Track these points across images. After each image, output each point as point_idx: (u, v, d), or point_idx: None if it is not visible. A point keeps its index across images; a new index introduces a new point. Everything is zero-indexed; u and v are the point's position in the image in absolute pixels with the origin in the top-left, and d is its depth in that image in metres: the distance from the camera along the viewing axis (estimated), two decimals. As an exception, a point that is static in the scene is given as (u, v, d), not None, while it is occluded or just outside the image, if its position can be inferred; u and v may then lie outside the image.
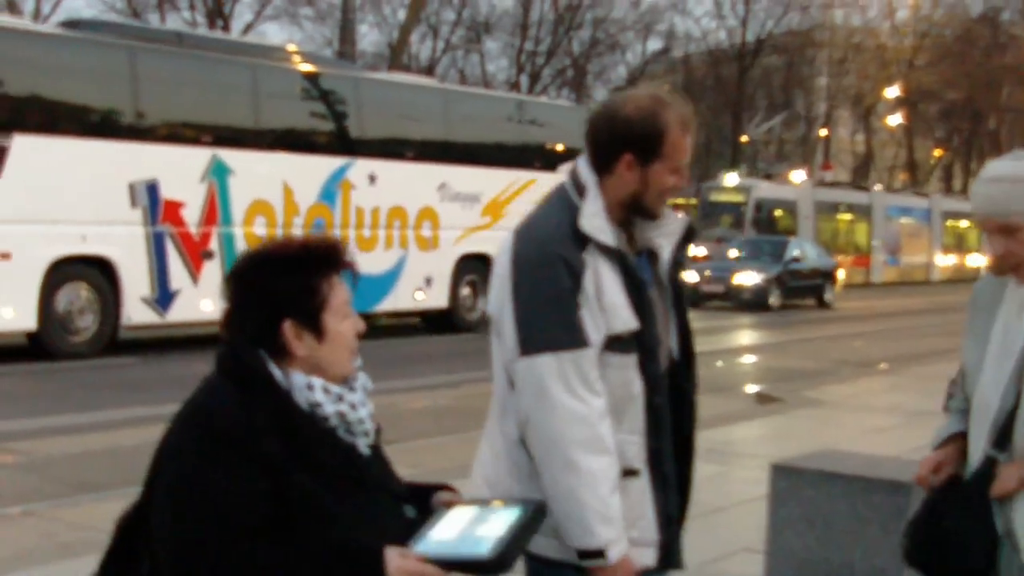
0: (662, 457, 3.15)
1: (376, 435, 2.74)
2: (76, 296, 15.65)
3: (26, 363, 15.07)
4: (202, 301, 16.70)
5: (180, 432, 2.56)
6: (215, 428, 2.49)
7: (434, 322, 21.05)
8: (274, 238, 2.74)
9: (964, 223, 50.51)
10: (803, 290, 30.69)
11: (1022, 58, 59.17)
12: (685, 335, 3.29)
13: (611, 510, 3.01)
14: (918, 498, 3.39)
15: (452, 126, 20.97)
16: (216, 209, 17.02)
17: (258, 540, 2.46)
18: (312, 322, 2.59)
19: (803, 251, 31.25)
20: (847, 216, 45.95)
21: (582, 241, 3.08)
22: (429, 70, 41.90)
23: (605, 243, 3.08)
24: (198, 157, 16.84)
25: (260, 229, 17.42)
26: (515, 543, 2.51)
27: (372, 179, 19.23)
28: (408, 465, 3.82)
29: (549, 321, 3.03)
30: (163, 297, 16.45)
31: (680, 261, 3.27)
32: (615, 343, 3.07)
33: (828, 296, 31.46)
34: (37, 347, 15.47)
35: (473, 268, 20.99)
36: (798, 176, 44.47)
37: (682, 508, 3.32)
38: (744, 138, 53.22)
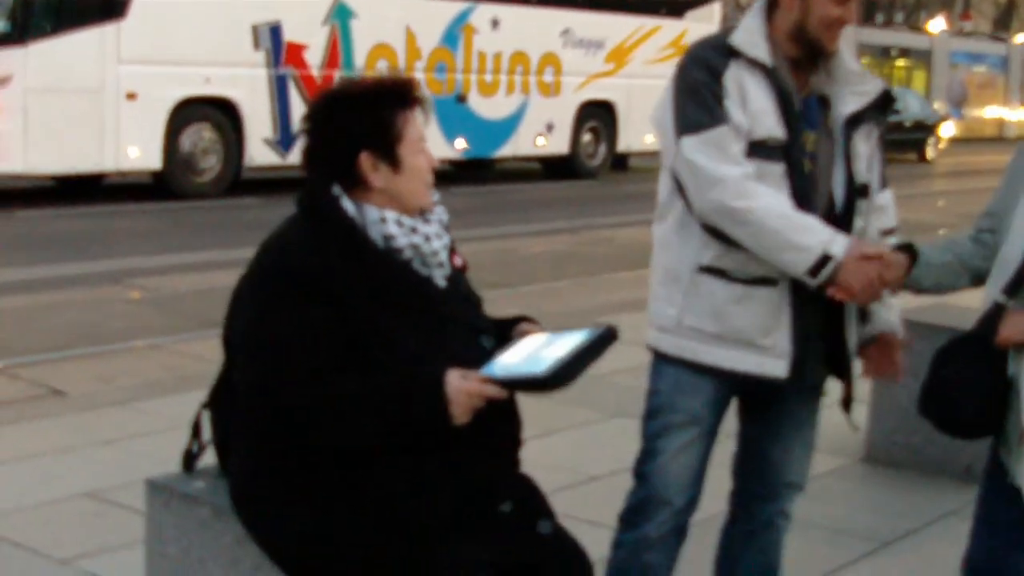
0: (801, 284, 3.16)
1: (460, 275, 2.79)
2: (200, 137, 15.80)
3: (152, 202, 15.36)
4: (323, 144, 16.75)
5: (254, 273, 2.64)
6: (287, 266, 2.56)
7: (555, 168, 20.90)
8: (351, 78, 2.77)
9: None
10: (902, 144, 28.58)
11: None
12: (850, 197, 3.27)
13: (801, 220, 3.05)
14: None
15: (578, -30, 20.54)
16: (338, 52, 16.95)
17: (326, 375, 2.52)
18: (388, 153, 2.65)
19: (904, 102, 28.98)
20: (902, 62, 41.03)
21: (731, 52, 3.15)
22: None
23: (754, 56, 3.13)
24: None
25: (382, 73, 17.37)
26: (574, 362, 2.57)
27: (495, 23, 18.97)
28: (524, 308, 3.82)
29: (690, 108, 3.13)
30: (284, 139, 16.53)
31: (858, 120, 3.25)
32: (759, 148, 3.11)
33: (930, 152, 30.06)
34: (162, 187, 15.73)
35: (595, 115, 20.72)
36: (937, 25, 42.88)
37: (843, 362, 3.35)
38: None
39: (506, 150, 19.77)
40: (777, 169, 3.13)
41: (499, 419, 2.66)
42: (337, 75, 16.89)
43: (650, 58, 21.07)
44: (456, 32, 18.59)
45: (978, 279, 3.14)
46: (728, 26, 3.28)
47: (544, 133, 20.12)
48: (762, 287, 3.16)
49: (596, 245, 13.13)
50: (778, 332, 3.18)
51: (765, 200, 3.05)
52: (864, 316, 3.36)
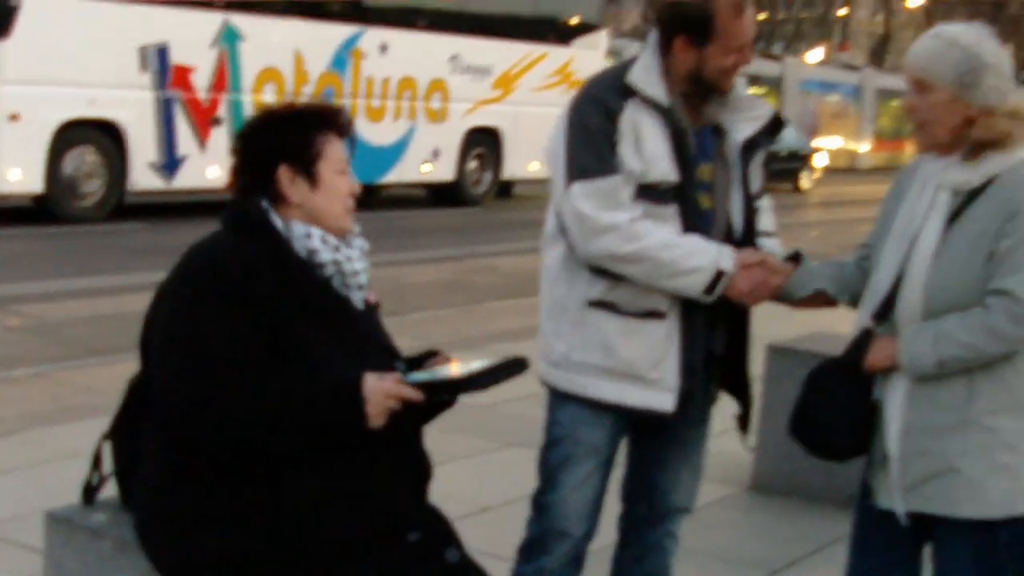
0: (693, 306, 3.25)
1: (373, 309, 2.86)
2: (83, 160, 15.53)
3: (32, 226, 15.08)
4: (208, 168, 16.63)
5: (179, 274, 2.70)
6: (213, 270, 2.63)
7: (440, 195, 20.97)
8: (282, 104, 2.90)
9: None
10: (777, 174, 28.74)
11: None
12: (750, 218, 3.38)
13: (688, 245, 3.17)
14: None
15: (466, -4, 20.68)
16: (226, 75, 16.81)
17: (247, 375, 2.57)
18: (306, 168, 2.75)
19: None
20: (759, 90, 40.47)
21: (627, 92, 3.21)
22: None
23: (650, 95, 3.19)
24: (209, 22, 16.58)
25: (269, 96, 17.25)
26: (485, 372, 2.67)
27: (383, 49, 18.99)
28: (411, 337, 3.88)
29: (582, 153, 3.19)
30: (170, 163, 16.35)
31: (754, 146, 3.36)
32: (651, 191, 3.19)
33: (804, 182, 30.68)
34: (43, 210, 15.44)
35: (481, 141, 20.85)
36: (815, 55, 43.76)
37: (741, 384, 3.49)
38: (761, 15, 52.45)
39: (392, 176, 19.76)
40: (668, 211, 3.21)
41: (408, 451, 2.75)
42: (224, 98, 16.78)
43: (537, 85, 21.25)
44: (344, 57, 18.57)
45: (855, 301, 3.25)
46: (623, 61, 3.33)
47: (430, 159, 20.17)
48: (651, 320, 3.24)
49: (481, 273, 13.21)
50: (665, 365, 3.26)
51: (652, 237, 3.14)
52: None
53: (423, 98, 19.90)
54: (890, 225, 3.11)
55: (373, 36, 18.83)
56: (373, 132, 19.01)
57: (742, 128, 3.33)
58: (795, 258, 3.33)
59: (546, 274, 3.40)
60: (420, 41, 19.63)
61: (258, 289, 2.60)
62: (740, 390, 3.51)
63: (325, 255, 2.73)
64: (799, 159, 30.37)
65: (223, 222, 2.79)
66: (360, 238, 2.88)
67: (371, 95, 18.99)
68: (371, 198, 20.53)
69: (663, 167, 3.18)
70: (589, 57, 21.91)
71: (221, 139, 16.58)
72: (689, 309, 3.25)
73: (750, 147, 3.36)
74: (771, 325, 4.01)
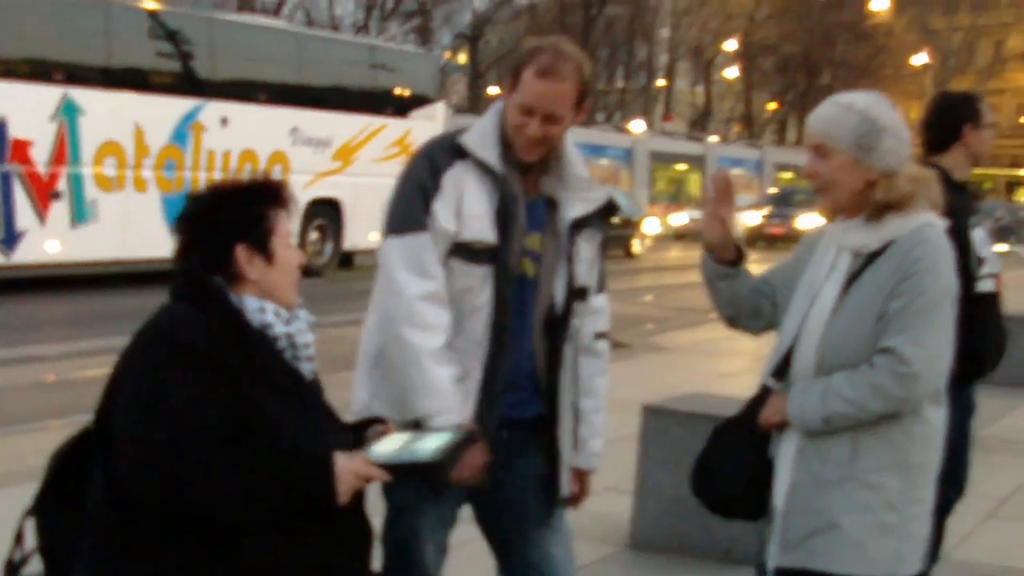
0: (496, 376, 3.28)
1: (317, 381, 2.90)
2: (-84, 236, 15.23)
3: None
4: (48, 242, 16.47)
5: (140, 348, 2.69)
6: (175, 340, 2.64)
7: (283, 266, 20.86)
8: (224, 180, 2.92)
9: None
10: (610, 240, 29.43)
11: (857, 15, 61.02)
12: (571, 295, 3.38)
13: (435, 382, 3.16)
14: None
15: (304, 70, 20.84)
16: (65, 149, 16.65)
17: (215, 445, 2.59)
18: (262, 246, 2.78)
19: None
20: (682, 167, 46.16)
21: (459, 152, 3.24)
22: (276, 10, 41.31)
23: (481, 157, 3.22)
24: (48, 95, 16.45)
25: (110, 170, 17.20)
26: (455, 449, 2.72)
27: (224, 122, 19.03)
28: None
29: (398, 208, 3.25)
30: (8, 238, 16.09)
31: (582, 225, 3.37)
32: (464, 251, 3.22)
33: (636, 247, 31.49)
34: None
35: (323, 213, 20.94)
36: (637, 126, 45.09)
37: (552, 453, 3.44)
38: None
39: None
40: (480, 271, 3.23)
41: (354, 516, 2.79)
42: (64, 172, 16.64)
43: (376, 156, 21.47)
44: (185, 130, 18.53)
45: (749, 312, 3.29)
46: (465, 126, 3.37)
47: (273, 230, 20.10)
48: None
49: (330, 344, 13.20)
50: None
51: (422, 341, 3.15)
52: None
53: (264, 170, 19.95)
54: (795, 282, 3.17)
55: (213, 109, 18.87)
56: (214, 204, 18.90)
57: (575, 207, 3.35)
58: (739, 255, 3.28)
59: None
60: (260, 113, 19.74)
61: (221, 357, 2.63)
62: (550, 449, 3.46)
63: (279, 328, 2.77)
64: (630, 226, 31.17)
65: (175, 295, 2.77)
66: (303, 310, 2.90)
67: (212, 168, 18.94)
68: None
69: (480, 226, 3.21)
70: (427, 128, 22.29)
71: (61, 213, 16.48)
72: (489, 378, 3.27)
73: (579, 225, 3.37)
74: (646, 385, 4.16)
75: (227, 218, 2.79)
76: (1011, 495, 7.21)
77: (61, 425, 7.81)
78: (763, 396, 3.15)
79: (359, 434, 2.97)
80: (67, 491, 2.81)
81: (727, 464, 3.18)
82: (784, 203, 36.85)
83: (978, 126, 4.71)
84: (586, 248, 3.41)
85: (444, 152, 3.25)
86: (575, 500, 3.58)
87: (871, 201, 3.02)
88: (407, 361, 3.19)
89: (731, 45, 59.02)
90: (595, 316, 3.52)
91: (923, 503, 3.06)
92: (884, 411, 2.95)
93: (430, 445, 2.73)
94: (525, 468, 3.44)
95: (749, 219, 35.38)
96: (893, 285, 2.94)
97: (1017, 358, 7.41)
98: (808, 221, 30.57)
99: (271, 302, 2.79)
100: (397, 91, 22.71)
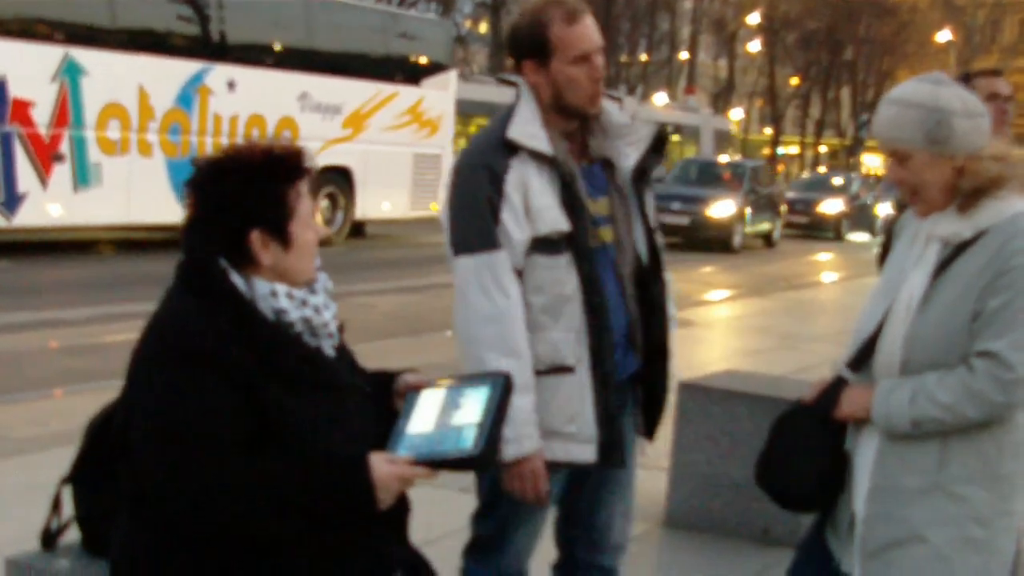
0: (602, 355, 3.24)
1: (339, 334, 2.72)
2: (-85, 196, 15.04)
3: None
4: (51, 205, 16.23)
5: (148, 359, 2.51)
6: (184, 347, 2.45)
7: (292, 234, 20.65)
8: (235, 145, 2.63)
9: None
10: None
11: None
12: (652, 243, 3.37)
13: (513, 412, 2.99)
14: None
15: (315, 34, 20.50)
16: (68, 110, 16.36)
17: (240, 456, 2.43)
18: (280, 231, 2.56)
19: None
20: (676, 137, 42.77)
21: (511, 148, 3.18)
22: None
23: (534, 148, 3.16)
24: (50, 55, 16.15)
25: (113, 133, 16.92)
26: (495, 429, 2.53)
27: (231, 86, 18.73)
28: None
29: (466, 225, 3.19)
30: (10, 200, 15.86)
31: (645, 169, 3.33)
32: (543, 244, 3.18)
33: None
34: None
35: (332, 180, 20.62)
36: (660, 99, 44.63)
37: (655, 411, 3.47)
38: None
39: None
40: (562, 261, 3.19)
41: None
42: (66, 133, 16.37)
43: (387, 124, 21.24)
44: (191, 93, 18.25)
45: None
46: (501, 115, 3.28)
47: (281, 198, 19.89)
48: (561, 375, 3.22)
49: (360, 311, 12.97)
50: (581, 418, 3.23)
51: (506, 367, 3.03)
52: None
53: (272, 136, 19.66)
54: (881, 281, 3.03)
55: (220, 72, 18.57)
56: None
57: (628, 154, 3.32)
58: None
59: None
60: (268, 78, 19.45)
61: (232, 360, 2.44)
62: (655, 404, 3.49)
63: (294, 313, 2.57)
64: None
65: (178, 282, 2.59)
66: (322, 275, 2.70)
67: (219, 133, 18.67)
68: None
69: (552, 216, 3.17)
70: (439, 97, 22.05)
71: (64, 175, 16.23)
72: (599, 360, 3.24)
73: (640, 174, 3.34)
74: (681, 362, 4.00)
75: (243, 199, 2.54)
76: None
77: (85, 390, 7.78)
78: (837, 386, 2.99)
79: (388, 384, 2.81)
80: (104, 460, 2.74)
81: (797, 456, 3.01)
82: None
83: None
84: (650, 195, 3.42)
85: (496, 154, 3.19)
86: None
87: (959, 190, 2.83)
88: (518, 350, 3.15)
89: (754, 18, 58.53)
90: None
91: (1011, 516, 2.89)
92: (980, 418, 2.78)
93: (469, 420, 2.54)
94: (623, 452, 3.42)
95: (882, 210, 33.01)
96: (989, 280, 2.76)
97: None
98: None
99: (283, 284, 2.57)
100: (410, 58, 22.41)
